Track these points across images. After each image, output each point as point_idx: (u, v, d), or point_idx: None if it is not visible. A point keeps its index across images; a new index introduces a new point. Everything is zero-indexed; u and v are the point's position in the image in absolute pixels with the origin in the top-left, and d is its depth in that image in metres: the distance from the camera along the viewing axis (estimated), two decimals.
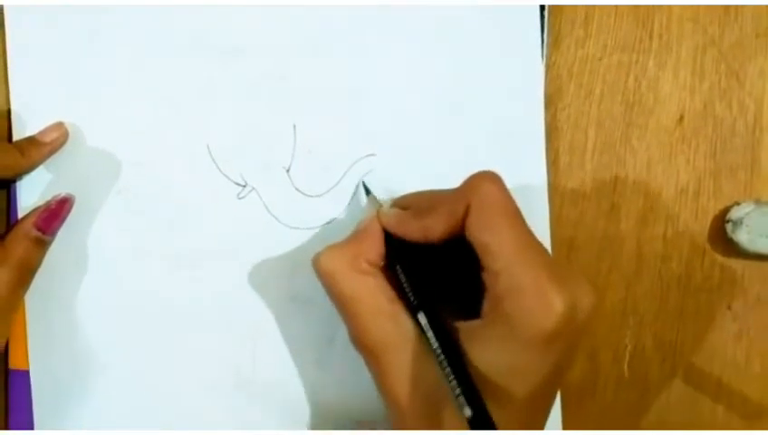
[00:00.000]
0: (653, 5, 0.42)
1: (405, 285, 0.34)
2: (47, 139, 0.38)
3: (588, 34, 0.42)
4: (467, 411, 0.30)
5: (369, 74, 0.40)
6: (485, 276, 0.32)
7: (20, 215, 0.39)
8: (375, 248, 0.35)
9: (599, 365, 0.42)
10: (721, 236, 0.42)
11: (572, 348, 0.32)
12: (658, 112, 0.42)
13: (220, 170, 0.40)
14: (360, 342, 0.34)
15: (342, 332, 0.40)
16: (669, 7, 0.42)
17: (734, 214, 0.41)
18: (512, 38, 0.41)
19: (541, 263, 0.31)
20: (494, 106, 0.41)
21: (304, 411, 0.40)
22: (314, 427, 0.40)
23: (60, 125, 0.39)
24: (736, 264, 0.42)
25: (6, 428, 0.39)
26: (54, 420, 0.40)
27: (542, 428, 0.33)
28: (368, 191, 0.39)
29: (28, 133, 0.39)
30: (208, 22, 0.40)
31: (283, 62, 0.40)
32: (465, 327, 0.33)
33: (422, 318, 0.33)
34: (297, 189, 0.40)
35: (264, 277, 0.40)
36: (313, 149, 0.40)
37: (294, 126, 0.40)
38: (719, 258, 0.42)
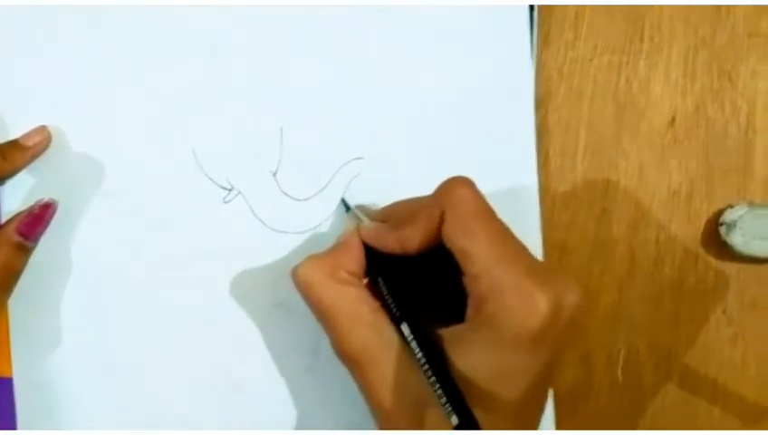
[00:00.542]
0: (644, 6, 0.41)
1: (387, 296, 0.34)
2: (30, 142, 0.38)
3: (578, 36, 0.41)
4: (454, 420, 0.30)
5: (356, 77, 0.40)
6: (466, 281, 0.32)
7: (2, 220, 0.38)
8: (355, 260, 0.35)
9: (592, 370, 0.42)
10: (715, 240, 0.41)
11: (559, 348, 0.32)
12: (650, 114, 0.42)
13: (206, 174, 0.39)
14: (342, 352, 0.34)
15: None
16: (660, 8, 0.41)
17: (728, 217, 0.41)
18: (501, 40, 0.40)
19: (520, 263, 0.31)
20: (484, 108, 0.40)
21: (292, 415, 0.40)
22: (306, 428, 0.40)
23: (43, 129, 0.38)
24: (730, 267, 0.42)
25: None
26: (38, 428, 0.39)
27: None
28: (347, 208, 0.39)
29: (10, 137, 0.38)
30: (194, 24, 0.39)
31: (270, 64, 0.40)
32: (449, 333, 0.32)
33: (405, 329, 0.33)
34: (284, 193, 0.40)
35: (251, 282, 0.40)
36: (300, 153, 0.40)
37: (281, 129, 0.40)
38: (713, 262, 0.42)
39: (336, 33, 0.40)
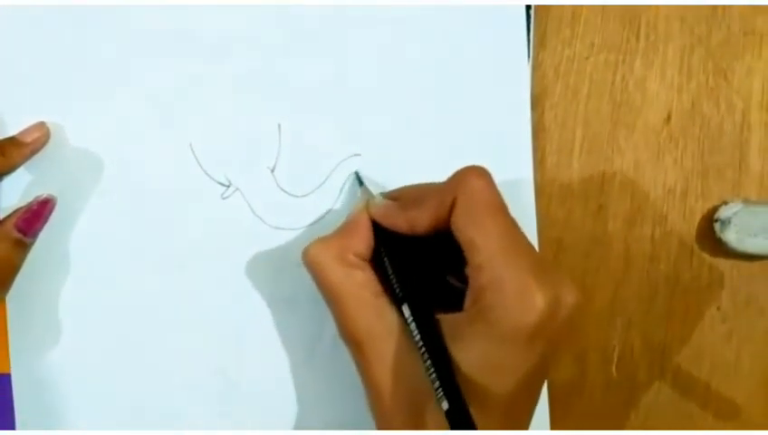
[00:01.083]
0: (640, 5, 0.41)
1: (391, 276, 0.34)
2: (28, 139, 0.38)
3: (574, 34, 0.42)
4: (445, 404, 0.30)
5: (354, 74, 0.40)
6: (469, 271, 0.32)
7: (1, 216, 0.38)
8: (363, 241, 0.35)
9: (587, 366, 0.42)
10: (709, 236, 0.42)
11: (554, 346, 0.32)
12: (646, 112, 0.42)
13: (204, 170, 0.39)
14: (345, 332, 0.34)
15: (328, 332, 0.40)
16: (656, 7, 0.42)
17: (723, 213, 0.41)
18: (498, 38, 0.40)
19: (524, 259, 0.31)
20: (481, 106, 0.40)
21: (290, 412, 0.40)
22: (304, 427, 0.40)
23: (41, 125, 0.38)
24: (725, 264, 0.42)
25: None
26: (36, 425, 0.39)
27: (525, 428, 0.33)
28: (360, 182, 0.39)
29: (9, 133, 0.38)
30: (192, 21, 0.39)
31: (267, 61, 0.40)
32: (448, 321, 0.32)
33: (406, 310, 0.33)
34: (282, 189, 0.40)
35: (249, 278, 0.40)
36: (298, 149, 0.40)
37: (279, 126, 0.40)
38: (707, 258, 0.42)
39: (333, 31, 0.40)
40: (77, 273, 0.39)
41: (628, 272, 0.42)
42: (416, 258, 0.35)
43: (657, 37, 0.42)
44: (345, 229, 0.36)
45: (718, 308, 0.42)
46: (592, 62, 0.42)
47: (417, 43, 0.40)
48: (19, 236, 0.37)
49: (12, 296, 0.38)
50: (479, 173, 0.33)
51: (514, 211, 0.33)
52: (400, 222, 0.35)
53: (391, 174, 0.40)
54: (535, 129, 0.41)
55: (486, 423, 0.31)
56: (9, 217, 0.37)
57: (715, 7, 0.42)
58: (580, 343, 0.42)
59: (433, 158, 0.40)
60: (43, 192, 0.38)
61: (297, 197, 0.40)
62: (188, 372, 0.40)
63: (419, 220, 0.34)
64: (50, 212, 0.38)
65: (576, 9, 0.42)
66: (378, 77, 0.40)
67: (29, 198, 0.38)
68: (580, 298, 0.32)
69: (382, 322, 0.34)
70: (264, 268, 0.40)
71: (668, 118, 0.42)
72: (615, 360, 0.42)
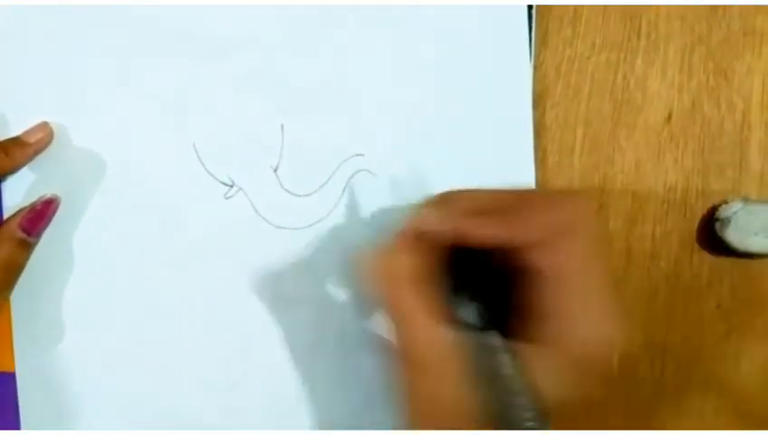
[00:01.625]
0: (641, 5, 0.42)
1: (469, 307, 0.32)
2: (32, 139, 0.38)
3: (576, 33, 0.42)
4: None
5: (357, 74, 0.40)
6: (542, 297, 0.30)
7: (5, 216, 0.38)
8: (429, 259, 0.31)
9: None
10: (710, 235, 0.42)
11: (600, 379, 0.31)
12: (647, 111, 0.42)
13: (207, 170, 0.40)
14: (403, 355, 0.32)
15: (331, 331, 0.40)
16: (657, 6, 0.42)
17: (723, 212, 0.41)
18: (500, 38, 0.40)
19: (603, 290, 0.30)
20: (483, 105, 0.40)
21: (296, 411, 0.40)
22: (306, 426, 0.40)
23: (45, 125, 0.38)
24: (725, 262, 0.42)
25: None
26: (41, 424, 0.39)
27: None
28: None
29: (12, 133, 0.38)
30: (195, 20, 0.39)
31: (270, 61, 0.40)
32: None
33: (495, 340, 0.31)
34: (285, 189, 0.40)
35: (252, 277, 0.40)
36: (301, 149, 0.40)
37: (282, 126, 0.40)
38: (708, 257, 0.42)
39: (337, 32, 0.40)
40: (81, 272, 0.39)
41: (629, 270, 0.42)
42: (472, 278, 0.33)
43: (658, 37, 0.42)
44: (409, 242, 0.31)
45: (718, 306, 0.43)
46: (593, 61, 0.42)
47: (419, 43, 0.40)
48: (23, 235, 0.37)
49: (16, 296, 0.38)
50: (593, 209, 0.33)
51: None
52: (494, 233, 0.30)
53: (394, 173, 0.40)
54: (537, 128, 0.41)
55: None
56: (13, 216, 0.37)
57: (715, 7, 0.42)
58: None
59: (435, 157, 0.40)
60: (46, 192, 0.38)
61: (300, 196, 0.40)
62: (192, 370, 0.40)
63: (517, 235, 0.30)
64: (53, 212, 0.38)
65: (577, 9, 0.42)
66: (380, 77, 0.40)
67: (33, 198, 0.38)
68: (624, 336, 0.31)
69: (439, 346, 0.31)
70: (267, 268, 0.40)
71: (669, 117, 0.42)
72: (615, 357, 0.42)
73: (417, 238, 0.31)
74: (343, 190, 0.40)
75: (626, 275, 0.42)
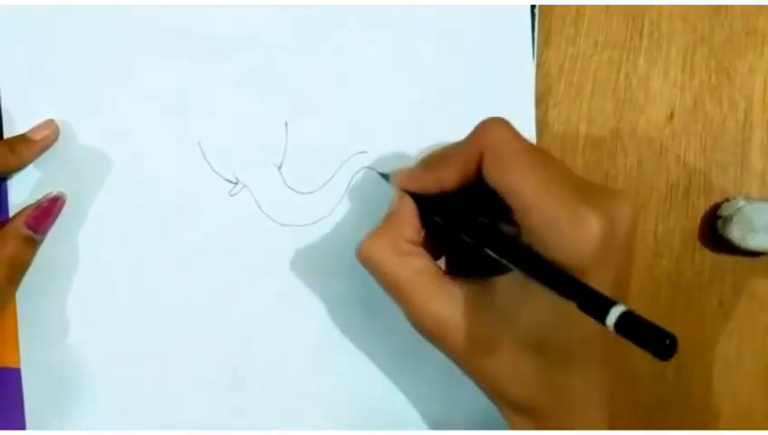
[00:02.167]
0: (643, 5, 0.42)
1: (451, 233, 0.34)
2: (38, 136, 0.38)
3: (578, 32, 0.42)
4: (611, 319, 0.26)
5: (360, 72, 0.40)
6: (517, 218, 0.32)
7: (11, 213, 0.38)
8: (411, 226, 0.35)
9: None
10: (712, 233, 0.42)
11: (624, 263, 0.31)
12: (649, 110, 0.42)
13: (212, 168, 0.40)
14: (417, 323, 0.34)
15: (336, 329, 0.40)
16: (660, 6, 0.42)
17: (725, 210, 0.41)
18: (502, 36, 0.41)
19: (566, 187, 0.31)
20: (485, 104, 0.40)
21: (299, 411, 0.40)
22: (309, 426, 0.40)
23: (50, 122, 0.39)
24: (727, 260, 0.42)
25: None
26: (46, 420, 0.39)
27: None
28: (386, 177, 0.38)
29: (19, 131, 0.39)
30: (200, 18, 0.40)
31: (273, 60, 0.40)
32: (506, 283, 0.32)
33: (491, 252, 0.32)
34: (289, 187, 0.40)
35: (257, 275, 0.40)
36: (305, 147, 0.40)
37: (286, 123, 0.40)
38: (710, 255, 0.42)
39: (340, 30, 0.40)
40: (86, 270, 0.39)
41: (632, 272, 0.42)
42: (463, 218, 0.34)
43: (661, 36, 0.42)
44: (391, 219, 0.35)
45: (720, 304, 0.43)
46: (596, 60, 0.42)
47: (420, 42, 0.41)
48: (29, 232, 0.37)
49: (22, 293, 0.38)
50: (499, 122, 0.33)
51: None
52: (428, 183, 0.34)
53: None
54: (539, 126, 0.41)
55: (591, 377, 0.31)
56: (19, 214, 0.37)
57: (717, 7, 0.42)
58: None
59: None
60: (52, 189, 0.38)
61: (304, 194, 0.40)
62: (197, 368, 0.40)
63: (447, 178, 0.34)
64: (59, 209, 0.38)
65: (580, 8, 0.42)
66: (383, 75, 0.40)
67: (39, 196, 0.38)
68: (636, 205, 0.31)
69: (452, 301, 0.33)
70: (271, 265, 0.40)
71: (671, 116, 0.42)
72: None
73: (401, 212, 0.35)
74: (347, 188, 0.40)
75: None
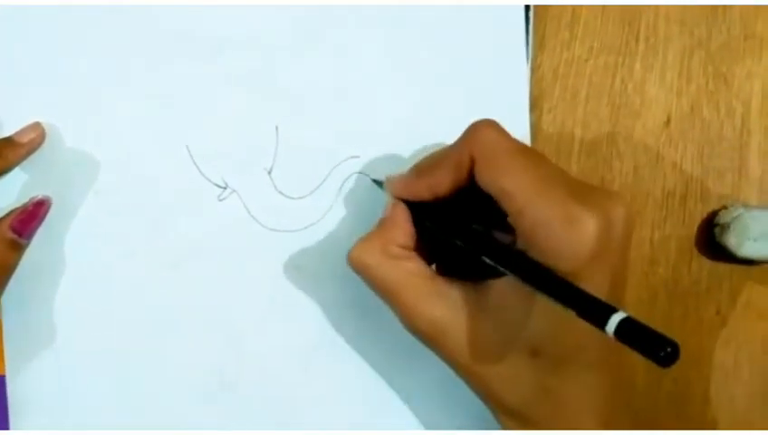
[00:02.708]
0: (640, 5, 0.41)
1: (452, 241, 0.34)
2: (24, 139, 0.38)
3: (574, 36, 0.41)
4: (611, 326, 0.26)
5: (352, 75, 0.40)
6: (511, 220, 0.31)
7: None
8: (404, 232, 0.34)
9: None
10: (709, 241, 0.42)
11: (621, 267, 0.31)
12: (645, 115, 0.42)
13: (200, 172, 0.39)
14: (411, 327, 0.34)
15: (327, 335, 0.40)
16: (656, 8, 0.41)
17: (722, 218, 0.41)
18: (496, 40, 0.40)
19: (560, 188, 0.31)
20: (479, 108, 0.40)
21: (290, 416, 0.40)
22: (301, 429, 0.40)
23: (37, 125, 0.38)
24: (724, 268, 0.42)
25: None
26: (32, 426, 0.39)
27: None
28: (380, 184, 0.38)
29: (4, 134, 0.38)
30: (188, 21, 0.39)
31: (265, 62, 0.40)
32: (503, 286, 0.32)
33: (487, 260, 0.32)
34: (279, 192, 0.40)
35: (245, 281, 0.39)
36: (296, 151, 0.40)
37: (277, 127, 0.40)
38: (707, 263, 0.42)
39: (332, 32, 0.40)
40: (72, 274, 0.39)
41: (627, 275, 0.42)
42: (459, 223, 0.34)
43: (657, 40, 0.41)
44: (382, 225, 0.35)
45: (717, 313, 0.42)
46: (591, 64, 0.41)
47: (414, 45, 0.40)
48: (14, 236, 0.36)
49: (7, 298, 0.38)
50: (489, 124, 0.33)
51: None
52: (421, 190, 0.34)
53: (389, 176, 0.40)
54: (533, 131, 0.41)
55: (588, 383, 0.31)
56: (4, 217, 0.37)
57: (715, 11, 0.42)
58: None
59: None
60: (38, 193, 0.38)
61: (294, 199, 0.40)
62: (184, 373, 0.39)
63: (440, 184, 0.34)
64: (45, 213, 0.38)
65: (576, 11, 0.41)
66: (375, 79, 0.40)
67: (24, 199, 0.38)
68: (630, 207, 0.31)
69: (445, 303, 0.33)
70: (260, 272, 0.39)
71: (668, 121, 0.42)
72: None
73: (394, 217, 0.35)
74: (338, 193, 0.40)
75: None
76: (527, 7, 0.40)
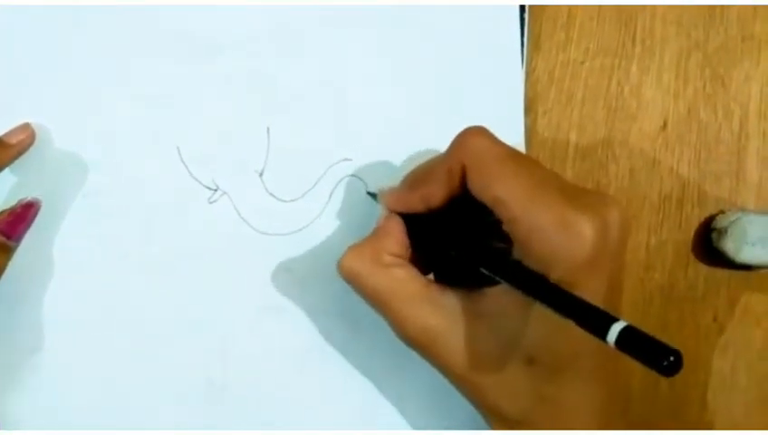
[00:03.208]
0: (636, 5, 0.41)
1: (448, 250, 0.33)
2: (13, 140, 0.38)
3: (569, 38, 0.41)
4: (612, 336, 0.26)
5: (345, 77, 0.40)
6: (506, 228, 0.31)
7: None
8: (396, 241, 0.34)
9: None
10: (706, 246, 0.41)
11: (616, 268, 0.31)
12: (641, 118, 0.41)
13: (191, 174, 0.39)
14: (404, 336, 0.33)
15: (317, 340, 0.39)
16: (653, 8, 0.41)
17: (720, 223, 0.40)
18: (490, 41, 0.40)
19: (554, 193, 0.30)
20: (473, 110, 0.40)
21: (277, 421, 0.39)
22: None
23: (26, 126, 0.38)
24: (722, 274, 0.42)
25: None
26: (20, 428, 0.39)
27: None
28: (374, 196, 0.38)
29: None
30: (180, 21, 0.39)
31: (256, 63, 0.39)
32: (499, 293, 0.32)
33: (485, 271, 0.32)
34: (270, 194, 0.39)
35: (235, 284, 0.39)
36: (287, 153, 0.39)
37: (268, 129, 0.39)
38: (704, 268, 0.42)
39: (324, 34, 0.39)
40: (61, 276, 0.39)
41: (623, 280, 0.41)
42: (454, 234, 0.34)
43: (654, 42, 0.41)
44: (375, 234, 0.35)
45: (715, 319, 0.42)
46: (587, 67, 0.41)
47: (407, 46, 0.40)
48: (2, 239, 0.36)
49: None
50: (478, 131, 0.32)
51: None
52: (414, 202, 0.34)
53: (382, 179, 0.39)
54: (528, 134, 0.40)
55: (585, 391, 0.31)
56: None
57: (713, 12, 0.41)
58: None
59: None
60: (27, 195, 0.37)
61: (286, 202, 0.39)
62: (173, 377, 0.39)
63: (432, 195, 0.33)
64: (34, 215, 0.37)
65: (572, 10, 0.41)
66: (368, 80, 0.40)
67: (13, 201, 0.37)
68: (626, 211, 0.31)
69: (439, 311, 0.33)
70: (251, 274, 0.39)
71: (664, 124, 0.41)
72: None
73: (387, 227, 0.35)
74: (330, 196, 0.39)
75: None
76: (522, 8, 0.40)
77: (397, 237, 0.34)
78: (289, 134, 0.39)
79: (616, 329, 0.25)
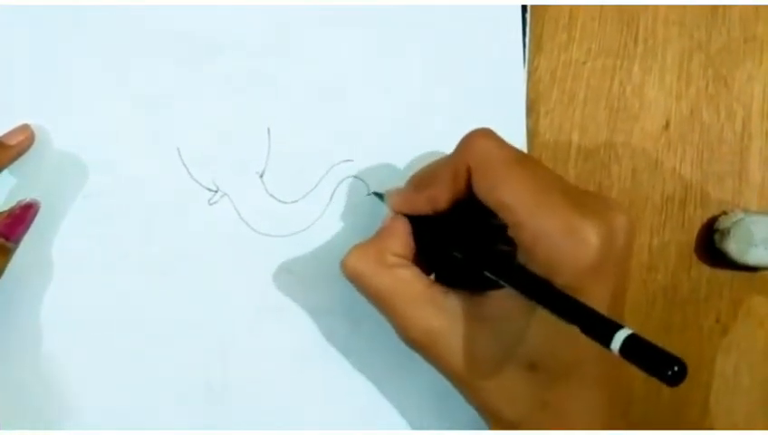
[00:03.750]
0: (638, 6, 0.41)
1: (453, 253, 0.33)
2: (12, 142, 0.37)
3: (571, 38, 0.41)
4: (616, 344, 0.26)
5: (345, 77, 0.40)
6: (511, 232, 0.31)
7: None
8: (401, 242, 0.34)
9: None
10: (708, 247, 0.41)
11: (621, 273, 0.31)
12: (644, 118, 0.41)
13: (191, 175, 0.39)
14: (406, 336, 0.33)
15: (318, 342, 0.39)
16: (655, 9, 0.41)
17: (722, 223, 0.40)
18: (492, 41, 0.40)
19: (560, 198, 0.30)
20: (474, 111, 0.40)
21: (276, 423, 0.39)
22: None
23: (25, 127, 0.38)
24: (725, 275, 0.41)
25: None
26: (17, 429, 0.38)
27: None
28: (381, 197, 0.38)
29: None
30: (179, 22, 0.39)
31: (257, 64, 0.39)
32: (502, 297, 0.32)
33: (489, 274, 0.32)
34: (271, 195, 0.39)
35: (236, 286, 0.39)
36: (288, 154, 0.39)
37: (269, 130, 0.39)
38: (707, 269, 0.41)
39: (324, 34, 0.39)
40: (61, 277, 0.39)
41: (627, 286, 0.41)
42: (458, 236, 0.34)
43: (656, 43, 0.41)
44: (379, 234, 0.35)
45: (717, 320, 0.42)
46: (589, 67, 0.41)
47: (409, 46, 0.40)
48: (1, 240, 0.36)
49: None
50: (484, 134, 0.32)
51: None
52: (420, 204, 0.34)
53: (383, 180, 0.39)
54: (530, 135, 0.40)
55: (587, 397, 0.30)
56: None
57: (715, 12, 0.41)
58: None
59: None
60: (26, 196, 0.37)
61: (286, 203, 0.39)
62: (173, 377, 0.39)
63: (438, 197, 0.33)
64: (33, 217, 0.37)
65: (574, 10, 0.41)
66: (369, 81, 0.40)
67: (12, 203, 0.37)
68: (631, 217, 0.31)
69: (442, 312, 0.32)
70: (251, 276, 0.39)
71: (667, 125, 0.41)
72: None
73: (392, 227, 0.34)
74: (331, 197, 0.39)
75: None
76: (524, 8, 0.40)
77: (401, 238, 0.34)
78: (289, 135, 0.39)
79: (620, 337, 0.25)
